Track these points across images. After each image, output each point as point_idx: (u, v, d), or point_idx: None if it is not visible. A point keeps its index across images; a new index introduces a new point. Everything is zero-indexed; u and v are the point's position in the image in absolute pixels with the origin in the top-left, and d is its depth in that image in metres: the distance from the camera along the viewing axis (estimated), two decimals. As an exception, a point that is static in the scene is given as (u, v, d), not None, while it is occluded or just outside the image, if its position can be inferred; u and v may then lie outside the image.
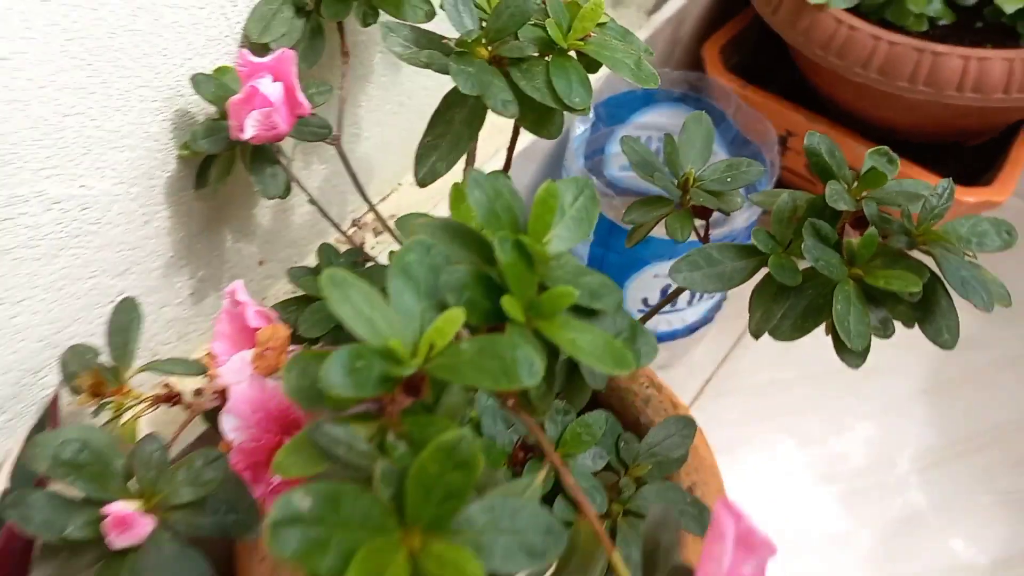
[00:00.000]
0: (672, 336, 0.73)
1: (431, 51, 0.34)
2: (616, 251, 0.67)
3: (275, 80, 0.36)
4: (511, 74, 0.33)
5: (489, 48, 0.34)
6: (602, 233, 0.67)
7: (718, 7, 0.84)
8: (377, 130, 0.55)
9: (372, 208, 0.45)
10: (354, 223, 0.58)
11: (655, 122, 0.76)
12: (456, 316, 0.24)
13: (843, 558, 0.69)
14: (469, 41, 0.33)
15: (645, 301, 0.69)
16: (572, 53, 0.34)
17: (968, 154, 0.80)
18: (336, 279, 0.24)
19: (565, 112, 0.33)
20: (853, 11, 0.70)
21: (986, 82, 0.66)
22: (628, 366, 0.24)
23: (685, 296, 0.70)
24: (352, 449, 0.23)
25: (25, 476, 0.41)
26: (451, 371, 0.23)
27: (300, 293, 0.43)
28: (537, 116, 0.33)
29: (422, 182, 0.35)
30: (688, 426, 0.44)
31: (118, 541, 0.31)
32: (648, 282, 0.67)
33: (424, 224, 0.26)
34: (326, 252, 0.43)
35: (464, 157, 0.35)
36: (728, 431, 0.75)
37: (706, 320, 0.74)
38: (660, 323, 0.71)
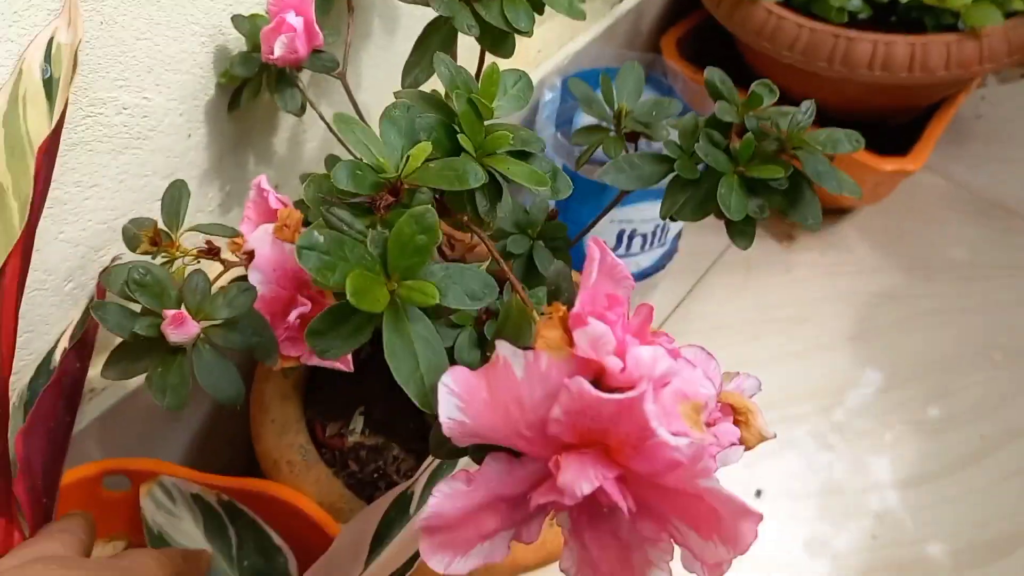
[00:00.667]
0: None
1: (417, -13, 0.45)
2: (579, 201, 0.79)
3: (297, 15, 0.47)
4: (474, 6, 0.44)
5: (458, -11, 0.45)
6: (566, 186, 0.79)
7: (674, 5, 0.97)
8: (374, 83, 0.66)
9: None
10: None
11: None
12: (426, 147, 0.35)
13: (768, 470, 0.80)
14: (443, -17, 0.45)
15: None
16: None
17: (892, 132, 0.92)
18: (344, 118, 0.35)
19: (517, 38, 0.45)
20: (783, 4, 0.82)
21: (892, 62, 0.77)
22: (545, 184, 0.36)
23: (639, 241, 0.81)
24: (352, 227, 0.34)
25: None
26: (421, 178, 0.34)
27: (311, 196, 0.54)
28: (494, 39, 0.45)
29: (409, 86, 0.46)
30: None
31: (173, 336, 0.41)
32: (605, 226, 0.78)
33: (405, 92, 0.38)
34: (331, 160, 0.54)
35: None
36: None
37: (658, 267, 0.85)
38: (617, 267, 0.82)
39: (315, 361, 0.50)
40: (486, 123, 0.37)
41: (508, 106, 0.39)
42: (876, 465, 0.81)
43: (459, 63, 0.47)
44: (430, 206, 0.33)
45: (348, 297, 0.30)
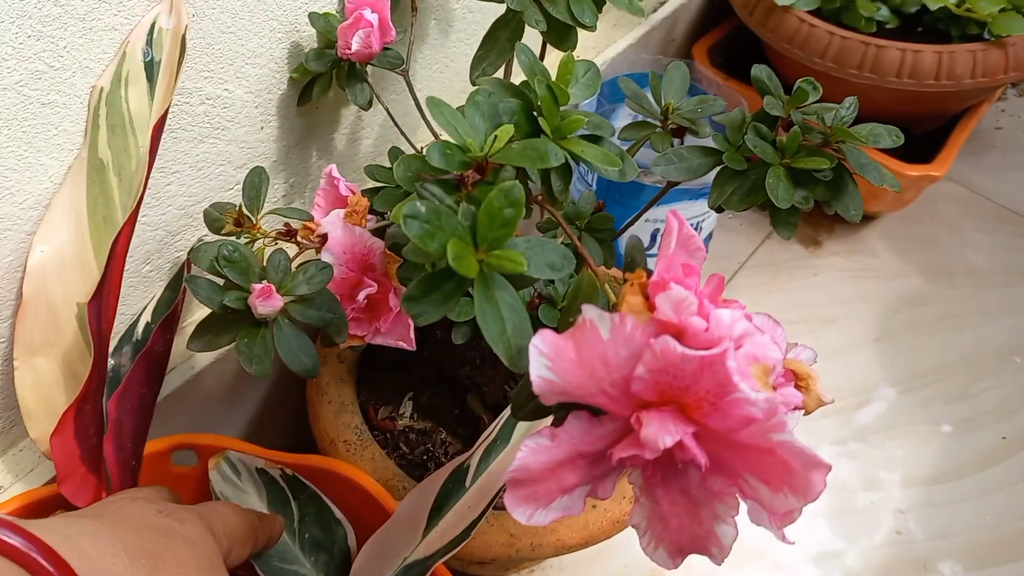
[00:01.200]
0: (660, 279, 0.87)
1: (487, -14, 0.48)
2: (616, 201, 0.81)
3: (373, 12, 0.50)
4: (542, 2, 0.47)
5: (527, -13, 0.48)
6: (603, 186, 0.82)
7: (707, 13, 1.00)
8: (427, 83, 0.69)
9: (434, 133, 0.60)
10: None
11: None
12: (508, 129, 0.38)
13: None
14: (512, -20, 0.48)
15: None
16: (585, -6, 0.49)
17: (916, 140, 0.95)
18: (435, 102, 0.38)
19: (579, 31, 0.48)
20: (814, 13, 0.85)
21: (920, 70, 0.80)
22: (617, 165, 0.38)
23: (671, 241, 0.83)
24: (443, 201, 0.37)
25: (167, 308, 0.54)
26: (506, 157, 0.37)
27: (372, 185, 0.57)
28: (559, 33, 0.48)
29: (476, 82, 0.49)
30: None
31: (260, 308, 0.44)
32: (640, 225, 0.81)
33: (487, 79, 0.40)
34: (394, 152, 0.57)
35: (505, 66, 0.49)
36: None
37: (689, 267, 0.88)
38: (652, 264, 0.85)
39: (379, 340, 0.52)
40: (560, 108, 0.40)
41: (580, 93, 0.41)
42: (897, 464, 0.83)
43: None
44: (516, 181, 0.35)
45: (449, 262, 0.33)
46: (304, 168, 0.62)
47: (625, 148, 0.60)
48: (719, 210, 0.52)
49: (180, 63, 0.47)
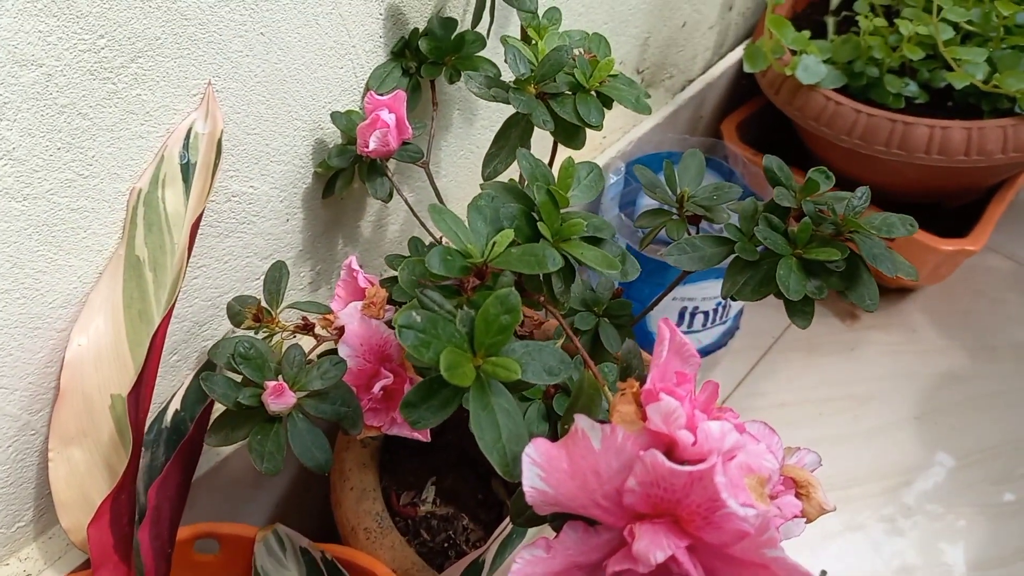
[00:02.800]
0: (690, 357, 0.86)
1: (497, 89, 0.50)
2: (642, 280, 0.82)
3: (390, 112, 0.52)
4: (550, 103, 0.49)
5: (536, 87, 0.49)
6: (630, 265, 0.82)
7: (735, 91, 1.01)
8: (452, 170, 0.71)
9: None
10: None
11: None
12: (509, 233, 0.38)
13: (834, 552, 0.80)
14: (522, 80, 0.49)
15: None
16: (593, 92, 0.50)
17: (951, 214, 0.93)
18: (437, 209, 0.39)
19: (588, 132, 0.49)
20: (840, 90, 0.85)
21: (948, 146, 0.80)
22: (616, 268, 0.39)
23: (700, 319, 0.83)
24: (442, 307, 0.38)
25: (196, 397, 0.56)
26: (505, 263, 0.38)
27: (393, 274, 0.58)
28: (567, 132, 0.49)
29: (487, 178, 0.50)
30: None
31: (273, 405, 0.45)
32: (668, 304, 0.81)
33: (490, 184, 0.41)
34: (414, 242, 0.59)
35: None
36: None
37: (720, 344, 0.87)
38: (679, 344, 0.84)
39: (395, 431, 0.53)
40: (562, 211, 0.41)
41: (581, 195, 0.42)
42: (947, 549, 0.80)
43: (533, 153, 0.52)
44: (513, 288, 0.36)
45: (442, 372, 0.33)
46: (331, 256, 0.64)
47: (641, 236, 0.61)
48: (733, 299, 0.52)
49: (216, 165, 0.49)
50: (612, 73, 0.51)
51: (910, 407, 0.91)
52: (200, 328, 0.57)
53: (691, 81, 0.97)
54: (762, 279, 0.51)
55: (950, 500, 0.84)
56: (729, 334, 0.88)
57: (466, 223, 0.40)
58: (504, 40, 0.51)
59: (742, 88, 1.01)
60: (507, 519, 0.53)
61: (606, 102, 0.50)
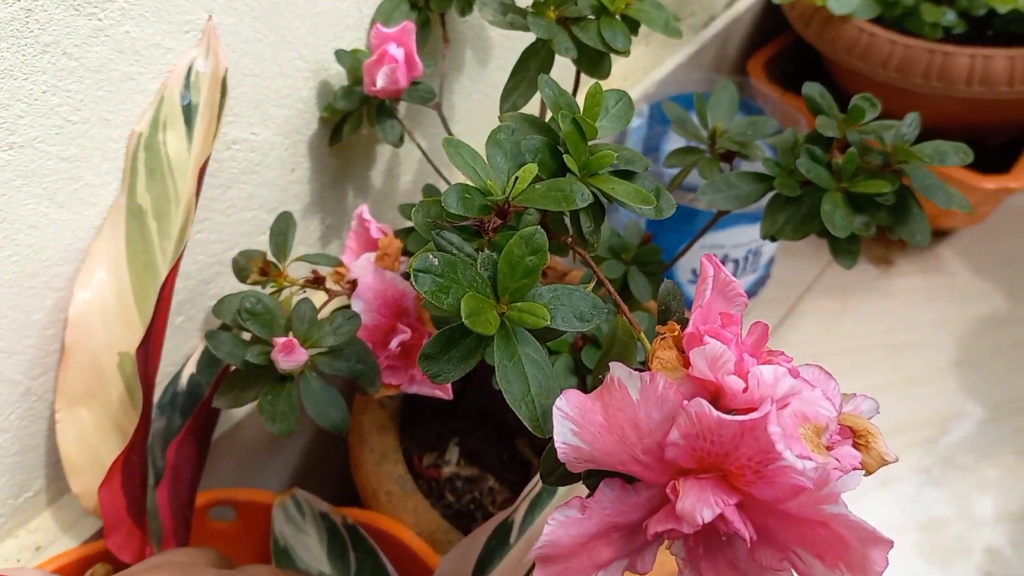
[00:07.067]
0: (720, 307, 0.82)
1: (514, 15, 0.46)
2: (668, 228, 0.78)
3: (398, 46, 0.49)
4: (572, 29, 0.45)
5: (555, 11, 0.45)
6: (656, 213, 0.78)
7: (762, 26, 0.96)
8: (466, 114, 0.67)
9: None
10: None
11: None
12: (532, 168, 0.35)
13: (871, 503, 0.77)
14: (541, 3, 0.45)
15: (694, 271, 0.79)
16: (618, 16, 0.46)
17: (992, 151, 0.89)
18: (452, 142, 0.35)
19: (614, 56, 0.45)
20: (874, 21, 0.80)
21: (991, 76, 0.75)
22: (651, 203, 0.35)
23: (730, 267, 0.79)
24: (462, 250, 0.35)
25: (211, 359, 0.53)
26: (528, 200, 0.34)
27: (407, 225, 0.55)
28: (591, 60, 0.45)
29: (507, 110, 0.47)
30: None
31: (283, 363, 0.42)
32: (696, 253, 0.77)
33: (510, 115, 0.38)
34: (428, 189, 0.55)
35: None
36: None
37: (751, 294, 0.83)
38: (708, 294, 0.81)
39: (414, 389, 0.50)
40: (589, 143, 0.37)
41: (610, 126, 0.38)
42: (982, 500, 0.77)
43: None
44: (539, 227, 0.33)
45: (463, 319, 0.30)
46: (340, 208, 0.61)
47: (672, 175, 0.57)
48: (773, 239, 0.49)
49: (221, 106, 0.46)
50: (639, -6, 0.47)
51: (950, 354, 0.87)
52: (206, 286, 0.54)
53: (714, 18, 0.92)
54: (805, 216, 0.47)
55: (986, 450, 0.80)
56: (760, 283, 0.84)
57: (485, 158, 0.36)
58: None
59: (769, 23, 0.96)
60: (536, 478, 0.50)
61: (633, 27, 0.46)
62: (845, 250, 0.47)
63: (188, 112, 0.47)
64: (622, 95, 0.40)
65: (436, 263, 0.32)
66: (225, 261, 0.54)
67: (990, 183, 0.82)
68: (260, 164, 0.52)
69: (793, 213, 0.47)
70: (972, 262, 0.95)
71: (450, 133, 0.56)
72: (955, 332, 0.89)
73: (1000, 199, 0.85)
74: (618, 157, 0.37)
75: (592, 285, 0.44)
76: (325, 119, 0.55)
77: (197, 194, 0.46)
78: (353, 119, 0.53)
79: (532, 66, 0.46)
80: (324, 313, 0.46)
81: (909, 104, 0.82)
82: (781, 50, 0.94)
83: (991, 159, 0.87)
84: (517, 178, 0.35)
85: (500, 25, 0.45)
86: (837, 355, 0.87)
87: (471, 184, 0.35)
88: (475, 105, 0.67)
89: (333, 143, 0.55)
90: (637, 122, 0.80)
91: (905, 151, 0.45)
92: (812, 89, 0.49)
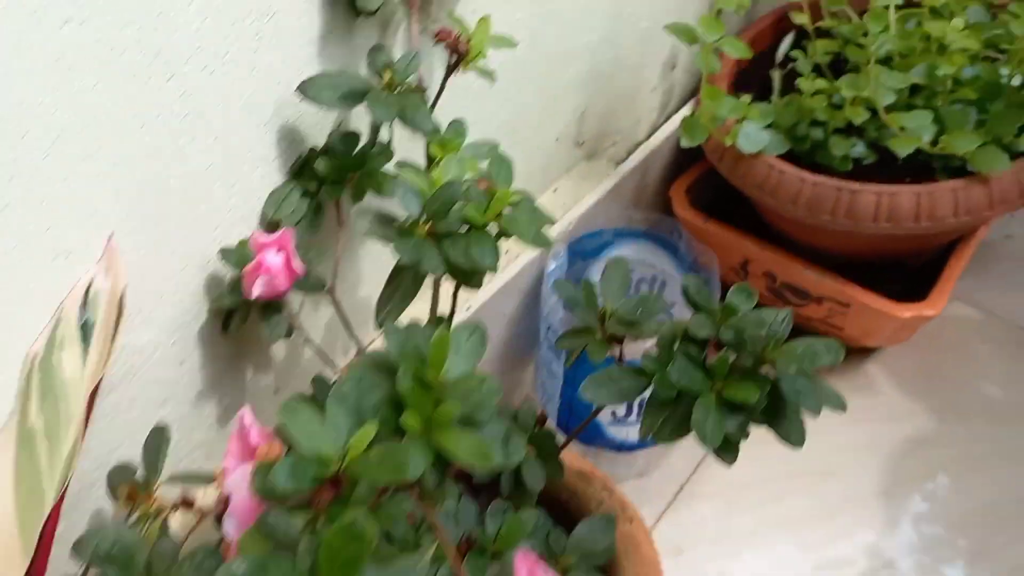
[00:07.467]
0: (643, 445, 0.82)
1: (387, 229, 0.46)
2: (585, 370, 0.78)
3: (279, 251, 0.49)
4: (442, 244, 0.45)
5: (427, 225, 0.46)
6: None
7: (680, 157, 0.97)
8: (367, 287, 0.67)
9: (359, 347, 0.57)
10: (358, 353, 0.70)
11: (624, 254, 0.87)
12: (368, 432, 0.35)
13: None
14: (411, 222, 0.45)
15: (614, 414, 0.79)
16: (489, 228, 0.46)
17: (912, 272, 0.89)
18: (289, 407, 0.35)
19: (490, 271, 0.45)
20: (785, 156, 0.82)
21: (897, 213, 0.76)
22: (490, 460, 0.35)
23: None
24: (287, 533, 0.34)
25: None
26: (362, 471, 0.34)
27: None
28: (463, 274, 0.45)
29: (380, 325, 0.46)
30: (608, 523, 0.53)
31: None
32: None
33: (360, 361, 0.38)
34: (318, 383, 0.55)
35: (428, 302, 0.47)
36: (699, 529, 0.83)
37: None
38: (631, 433, 0.81)
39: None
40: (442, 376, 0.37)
41: (463, 363, 0.38)
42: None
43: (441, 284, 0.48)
44: (365, 511, 0.32)
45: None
46: (240, 385, 0.60)
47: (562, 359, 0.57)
48: (653, 440, 0.48)
49: (118, 324, 0.46)
50: (513, 201, 0.48)
51: (874, 481, 0.87)
52: (89, 490, 0.53)
53: (638, 145, 0.94)
54: (680, 419, 0.47)
55: (924, 578, 0.80)
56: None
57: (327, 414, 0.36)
58: (397, 173, 0.48)
59: (689, 152, 0.97)
60: None
61: (506, 234, 0.46)
62: (724, 448, 0.46)
63: (85, 330, 0.46)
64: (475, 329, 0.39)
65: (240, 571, 0.31)
66: (109, 463, 0.53)
67: (907, 312, 0.82)
68: (142, 366, 0.52)
69: (670, 415, 0.47)
70: (898, 379, 0.95)
71: (343, 316, 0.56)
72: (881, 455, 0.89)
73: (917, 326, 0.86)
74: (465, 403, 0.36)
75: (432, 550, 0.43)
76: (213, 310, 0.55)
77: (88, 415, 0.45)
78: (240, 314, 0.53)
79: (405, 277, 0.46)
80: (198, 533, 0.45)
81: (822, 236, 0.84)
82: (703, 175, 0.95)
83: (915, 280, 0.88)
84: (350, 447, 0.34)
85: (376, 238, 0.46)
86: (762, 485, 0.86)
87: (304, 454, 0.34)
88: (376, 275, 0.67)
89: (225, 332, 0.55)
90: (554, 264, 0.80)
91: (776, 352, 0.46)
92: (689, 282, 0.49)
